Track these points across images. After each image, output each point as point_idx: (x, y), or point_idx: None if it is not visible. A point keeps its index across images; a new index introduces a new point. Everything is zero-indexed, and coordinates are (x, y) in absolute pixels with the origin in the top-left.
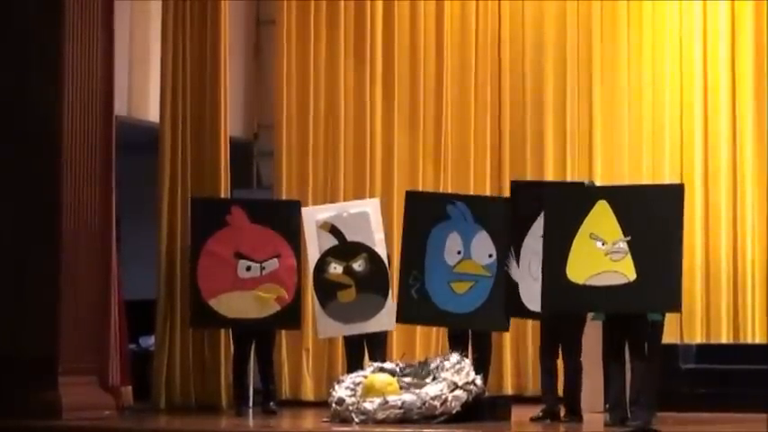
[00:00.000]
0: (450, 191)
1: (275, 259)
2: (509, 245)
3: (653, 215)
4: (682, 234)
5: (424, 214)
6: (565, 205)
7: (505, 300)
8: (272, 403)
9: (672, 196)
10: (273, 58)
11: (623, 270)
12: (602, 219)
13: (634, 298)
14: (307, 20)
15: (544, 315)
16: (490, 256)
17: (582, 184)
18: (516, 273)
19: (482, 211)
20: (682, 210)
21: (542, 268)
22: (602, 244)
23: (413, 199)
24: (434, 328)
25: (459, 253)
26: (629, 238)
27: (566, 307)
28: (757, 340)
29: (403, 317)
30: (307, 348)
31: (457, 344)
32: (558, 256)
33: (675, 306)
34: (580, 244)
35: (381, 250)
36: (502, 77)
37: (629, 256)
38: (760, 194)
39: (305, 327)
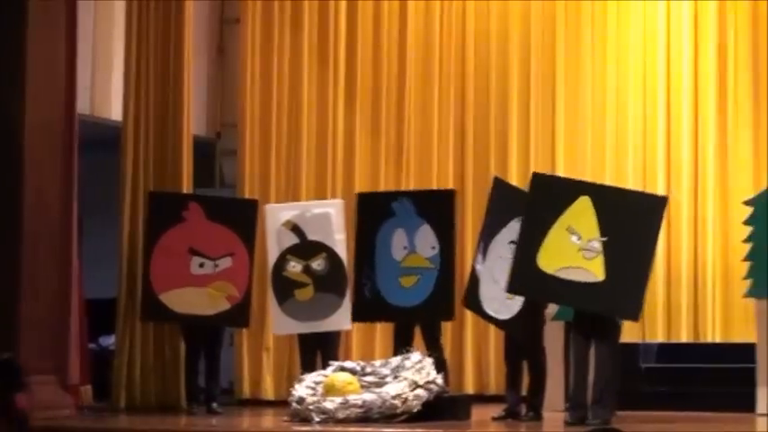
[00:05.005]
0: None
1: (229, 257)
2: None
3: (632, 221)
4: (656, 246)
5: (373, 213)
6: (548, 193)
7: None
8: (214, 404)
9: (654, 206)
10: (237, 57)
11: (593, 269)
12: (582, 214)
13: (598, 299)
14: (271, 19)
15: (509, 293)
16: (433, 248)
17: None
18: (481, 269)
19: (425, 204)
20: (660, 222)
21: (515, 251)
22: (578, 239)
23: (363, 200)
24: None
25: (405, 248)
26: (604, 239)
27: (529, 292)
28: (717, 339)
29: (357, 316)
30: (267, 348)
31: (402, 341)
32: (532, 241)
33: (635, 315)
34: (556, 234)
35: (341, 251)
36: (465, 78)
37: (601, 256)
38: (721, 194)
39: (265, 326)
